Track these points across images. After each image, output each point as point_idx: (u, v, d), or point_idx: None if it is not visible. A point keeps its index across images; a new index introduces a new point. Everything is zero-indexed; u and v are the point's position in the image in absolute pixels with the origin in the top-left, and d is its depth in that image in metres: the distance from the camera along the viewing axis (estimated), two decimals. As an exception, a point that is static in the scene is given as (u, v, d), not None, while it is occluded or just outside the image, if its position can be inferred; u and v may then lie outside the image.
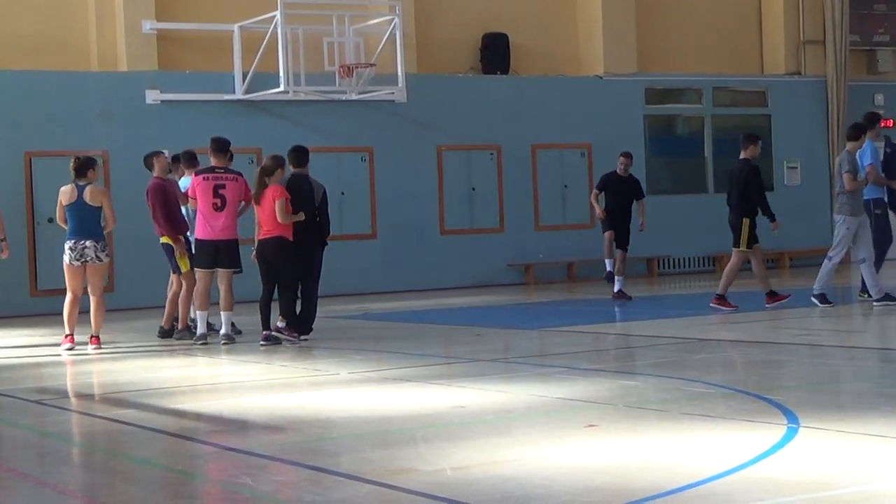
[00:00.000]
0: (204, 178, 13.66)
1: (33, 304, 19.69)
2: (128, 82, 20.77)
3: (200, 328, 13.79)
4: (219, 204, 13.56)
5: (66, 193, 13.70)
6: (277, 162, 13.29)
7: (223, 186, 13.58)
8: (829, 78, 26.09)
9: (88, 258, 13.61)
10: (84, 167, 13.71)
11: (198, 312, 13.84)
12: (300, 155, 13.63)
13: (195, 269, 13.87)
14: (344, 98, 21.62)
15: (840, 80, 26.01)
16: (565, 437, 7.31)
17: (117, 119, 20.63)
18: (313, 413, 8.68)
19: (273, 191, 13.06)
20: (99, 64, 21.08)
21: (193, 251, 13.98)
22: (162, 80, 20.95)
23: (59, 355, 13.41)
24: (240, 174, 13.94)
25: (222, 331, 13.80)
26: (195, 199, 13.67)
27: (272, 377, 11.09)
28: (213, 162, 13.81)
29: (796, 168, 26.07)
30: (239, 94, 21.18)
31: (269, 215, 13.09)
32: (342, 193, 21.34)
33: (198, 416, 8.94)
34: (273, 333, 13.26)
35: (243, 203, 13.84)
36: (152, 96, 20.84)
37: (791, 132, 25.98)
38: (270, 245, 13.15)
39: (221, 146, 13.86)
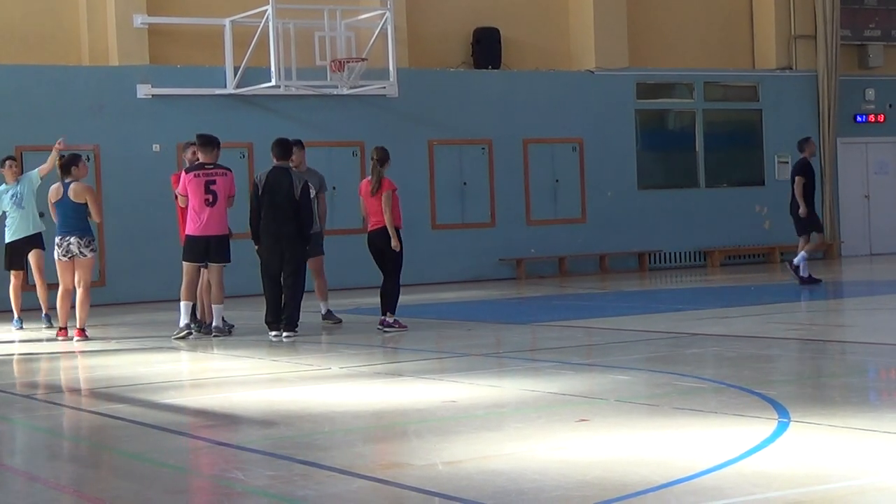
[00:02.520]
0: (195, 175, 13.71)
1: (24, 298, 19.58)
2: (119, 76, 20.73)
3: (183, 320, 13.79)
4: (210, 200, 13.63)
5: (53, 191, 14.12)
6: (387, 153, 13.80)
7: (214, 182, 13.64)
8: (819, 72, 26.12)
9: (73, 254, 13.92)
10: (68, 164, 14.04)
11: (182, 303, 13.86)
12: (285, 148, 13.75)
13: (183, 262, 13.90)
14: (335, 92, 21.60)
15: (831, 74, 26.04)
16: (557, 431, 7.32)
17: (108, 113, 20.60)
18: (305, 408, 8.68)
19: (386, 183, 13.62)
20: (90, 58, 21.05)
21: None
22: (153, 75, 20.92)
23: (51, 352, 13.40)
24: (229, 169, 13.97)
25: (213, 323, 13.83)
26: (186, 196, 13.72)
27: (264, 372, 11.08)
28: (201, 158, 13.83)
29: (787, 163, 26.04)
30: (230, 89, 21.16)
31: (376, 207, 13.61)
32: (333, 188, 21.28)
33: (189, 411, 8.94)
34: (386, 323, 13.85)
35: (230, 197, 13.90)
36: (143, 91, 20.80)
37: (782, 127, 26.00)
38: (382, 235, 13.61)
39: (209, 142, 13.88)
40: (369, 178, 13.88)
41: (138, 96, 20.78)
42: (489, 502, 5.59)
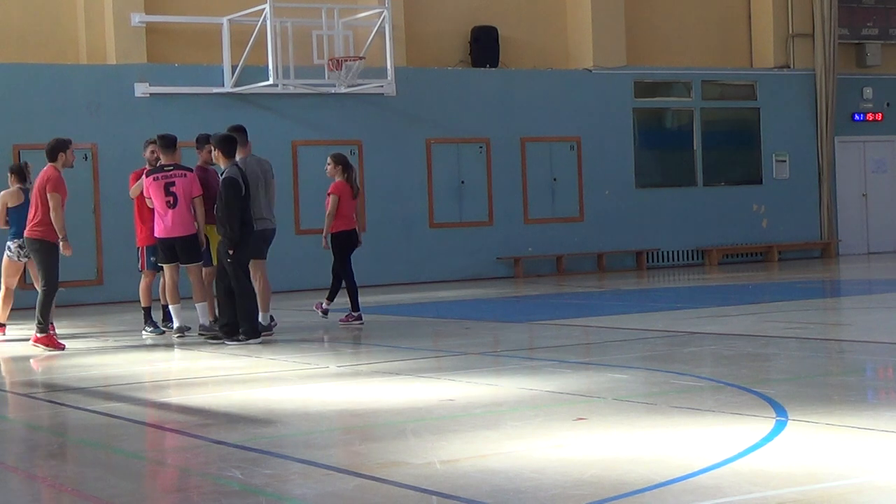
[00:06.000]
0: (154, 179, 13.68)
1: (20, 297, 19.58)
2: (117, 75, 20.73)
3: (176, 321, 13.81)
4: (171, 202, 13.59)
5: (12, 196, 14.45)
6: None
7: (173, 184, 13.61)
8: (817, 71, 26.14)
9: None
10: (24, 171, 14.54)
11: (171, 307, 13.89)
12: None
13: (161, 265, 13.94)
14: (333, 91, 21.61)
15: (829, 73, 26.05)
16: (554, 430, 7.32)
17: (106, 112, 20.60)
18: (303, 406, 8.68)
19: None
20: (88, 57, 21.05)
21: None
22: (151, 73, 20.92)
23: (49, 349, 13.40)
24: (189, 169, 13.85)
25: (200, 321, 13.85)
26: (150, 198, 13.74)
27: (261, 370, 11.08)
28: (162, 159, 13.78)
29: (785, 161, 26.12)
30: (228, 88, 21.16)
31: (354, 208, 14.73)
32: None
33: (187, 410, 8.94)
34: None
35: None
36: (141, 89, 20.81)
37: (780, 125, 26.03)
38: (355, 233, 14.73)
39: (168, 143, 13.83)
40: (340, 180, 14.64)
41: (136, 95, 20.78)
42: (487, 501, 5.59)
